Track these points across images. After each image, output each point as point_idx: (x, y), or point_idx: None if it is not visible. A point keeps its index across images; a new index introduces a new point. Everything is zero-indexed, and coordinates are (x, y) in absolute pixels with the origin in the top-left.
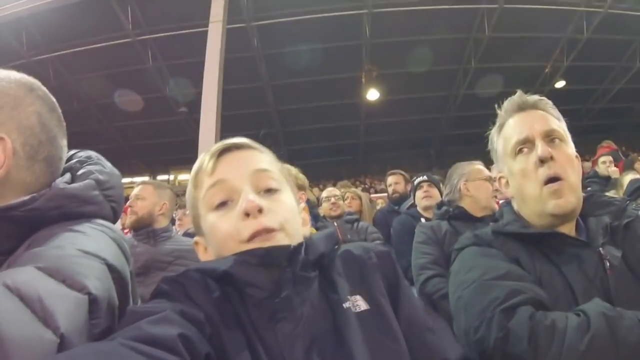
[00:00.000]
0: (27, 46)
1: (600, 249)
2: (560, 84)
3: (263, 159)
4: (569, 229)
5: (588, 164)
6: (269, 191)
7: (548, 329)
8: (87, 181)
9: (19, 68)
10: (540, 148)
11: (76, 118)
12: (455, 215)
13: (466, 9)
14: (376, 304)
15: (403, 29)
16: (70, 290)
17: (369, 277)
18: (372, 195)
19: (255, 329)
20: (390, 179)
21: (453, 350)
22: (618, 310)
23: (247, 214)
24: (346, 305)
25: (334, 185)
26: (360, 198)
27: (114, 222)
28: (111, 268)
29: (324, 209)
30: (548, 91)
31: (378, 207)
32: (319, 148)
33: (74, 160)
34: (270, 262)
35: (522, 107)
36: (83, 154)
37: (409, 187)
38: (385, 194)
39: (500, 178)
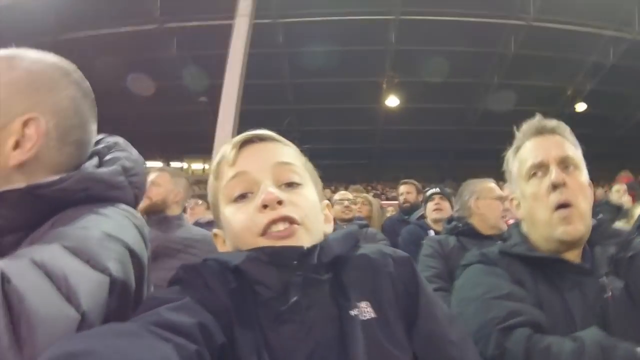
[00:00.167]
0: (56, 24)
1: (603, 278)
2: (581, 107)
3: (286, 151)
4: (575, 255)
5: (601, 191)
6: (291, 185)
7: (543, 352)
8: (114, 167)
9: (45, 45)
10: (554, 174)
11: (97, 99)
12: (463, 231)
13: (494, 23)
14: (383, 313)
15: (428, 38)
16: (93, 270)
17: (381, 284)
18: (383, 202)
19: (261, 328)
20: (402, 188)
21: None
22: (613, 341)
23: (265, 206)
24: (353, 312)
25: (346, 188)
26: (370, 204)
27: (135, 207)
28: (132, 252)
29: (335, 212)
30: (568, 113)
31: (388, 215)
32: (334, 150)
33: (102, 145)
34: (280, 261)
35: (540, 131)
36: (111, 139)
37: (420, 198)
38: (396, 202)
39: (512, 199)
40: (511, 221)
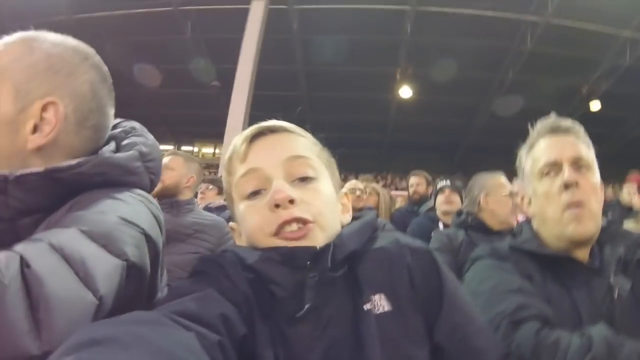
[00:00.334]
0: (70, 3)
1: (611, 278)
2: (595, 106)
3: (299, 143)
4: (583, 254)
5: (611, 192)
6: (304, 180)
7: (551, 346)
8: (131, 152)
9: (58, 25)
10: (567, 173)
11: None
12: (472, 225)
13: (511, 19)
14: (399, 305)
15: (444, 31)
16: (110, 255)
17: (397, 275)
18: (392, 192)
19: (278, 323)
20: (413, 180)
21: (495, 351)
22: (620, 338)
23: (277, 205)
24: (367, 306)
25: (356, 177)
26: (378, 194)
27: (150, 192)
28: (147, 237)
29: None
30: (582, 112)
31: (397, 205)
32: (345, 138)
33: (119, 130)
34: (293, 262)
35: (554, 130)
36: (127, 124)
37: (430, 190)
38: (406, 193)
39: (522, 197)
40: (521, 218)
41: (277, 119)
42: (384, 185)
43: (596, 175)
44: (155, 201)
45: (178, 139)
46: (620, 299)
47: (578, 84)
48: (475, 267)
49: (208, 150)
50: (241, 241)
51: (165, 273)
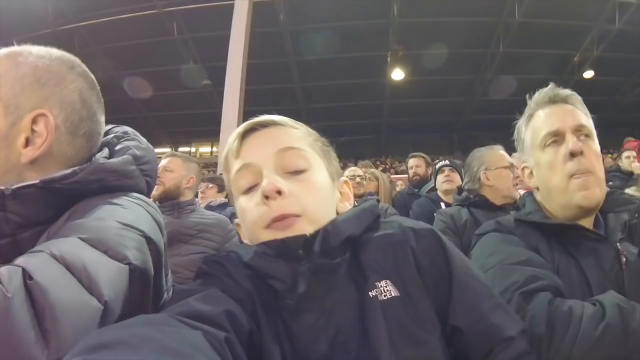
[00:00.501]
0: (53, 15)
1: (618, 244)
2: (588, 74)
3: (290, 135)
4: (588, 223)
5: (609, 159)
6: (296, 172)
7: (565, 315)
8: (125, 156)
9: (44, 37)
10: (572, 142)
11: (101, 88)
12: (475, 202)
13: None
14: (407, 290)
15: (431, 10)
16: (112, 260)
17: (402, 260)
18: (393, 176)
19: (282, 317)
20: (412, 162)
21: (513, 326)
22: (632, 304)
23: (267, 197)
24: (372, 293)
25: (355, 164)
26: (377, 179)
27: (148, 195)
28: (148, 240)
29: None
30: (576, 81)
31: (398, 189)
32: (341, 126)
33: (111, 136)
34: (286, 253)
35: (553, 100)
36: (119, 129)
37: (429, 171)
38: (406, 176)
39: (523, 168)
40: (522, 191)
41: (271, 112)
42: (384, 170)
43: (597, 143)
44: (153, 203)
45: (175, 141)
46: (628, 264)
47: (570, 53)
48: (482, 242)
49: (205, 149)
50: (245, 237)
51: (170, 274)
